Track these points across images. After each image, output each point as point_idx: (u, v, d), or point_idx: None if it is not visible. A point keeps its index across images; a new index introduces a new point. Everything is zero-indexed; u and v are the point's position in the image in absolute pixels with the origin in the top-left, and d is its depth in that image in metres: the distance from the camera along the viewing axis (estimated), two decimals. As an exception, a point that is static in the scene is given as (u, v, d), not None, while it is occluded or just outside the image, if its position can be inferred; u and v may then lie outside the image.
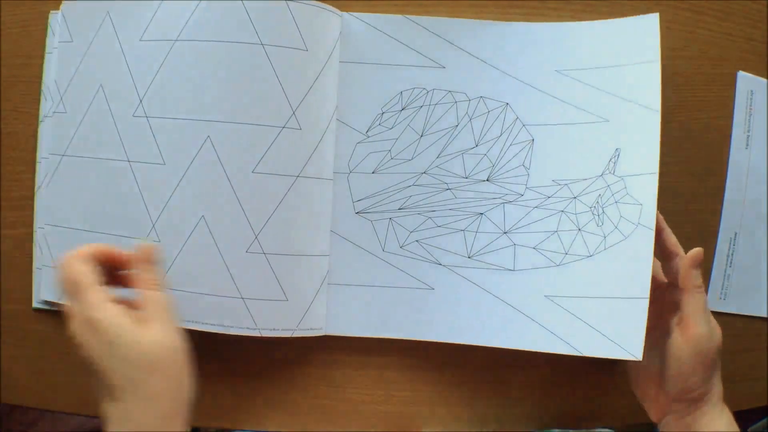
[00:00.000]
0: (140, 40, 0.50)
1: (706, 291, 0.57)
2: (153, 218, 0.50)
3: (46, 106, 0.55)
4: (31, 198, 0.55)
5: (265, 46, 0.49)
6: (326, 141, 0.52)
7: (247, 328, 0.50)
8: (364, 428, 0.56)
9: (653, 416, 0.50)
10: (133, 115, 0.50)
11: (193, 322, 0.50)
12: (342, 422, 0.55)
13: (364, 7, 0.54)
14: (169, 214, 0.50)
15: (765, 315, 0.58)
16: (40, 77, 0.55)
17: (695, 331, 0.46)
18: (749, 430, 0.76)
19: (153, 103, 0.50)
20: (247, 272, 0.50)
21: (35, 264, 0.54)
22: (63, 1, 0.53)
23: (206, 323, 0.50)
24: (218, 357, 0.55)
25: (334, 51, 0.52)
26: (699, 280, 0.47)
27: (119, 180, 0.51)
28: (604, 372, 0.56)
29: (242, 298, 0.50)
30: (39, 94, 0.55)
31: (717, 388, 0.47)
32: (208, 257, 0.49)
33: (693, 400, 0.47)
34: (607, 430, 0.56)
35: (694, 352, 0.46)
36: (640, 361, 0.47)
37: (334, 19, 0.52)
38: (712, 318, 0.47)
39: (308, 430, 0.56)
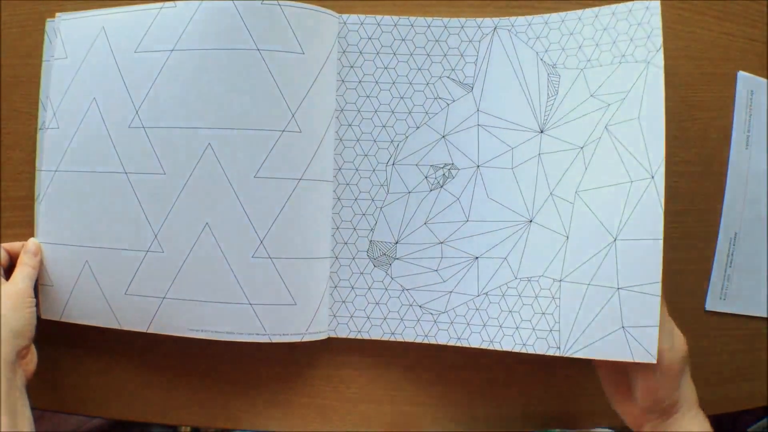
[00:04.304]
0: (135, 52, 0.51)
1: (706, 290, 0.57)
2: (155, 229, 0.50)
3: (44, 114, 0.54)
4: (31, 198, 0.55)
5: (261, 51, 0.49)
6: (326, 143, 0.52)
7: (257, 334, 0.50)
8: (364, 428, 0.56)
9: (632, 426, 0.50)
10: (129, 126, 0.51)
11: (202, 330, 0.50)
12: (342, 422, 0.55)
13: (364, 7, 0.54)
14: (172, 223, 0.50)
15: (765, 315, 0.58)
16: (39, 78, 0.55)
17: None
18: (749, 430, 0.76)
19: (150, 113, 0.50)
20: (254, 278, 0.50)
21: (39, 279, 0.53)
22: (60, 20, 0.53)
23: (215, 331, 0.50)
24: (219, 357, 0.55)
25: (331, 53, 0.52)
26: None
27: (116, 192, 0.51)
28: (604, 372, 0.57)
29: (250, 304, 0.50)
30: (39, 95, 0.55)
31: (688, 394, 0.47)
32: (214, 265, 0.50)
33: (664, 411, 0.46)
34: (607, 430, 0.56)
35: (658, 366, 0.45)
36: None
37: (331, 20, 0.52)
38: (675, 328, 0.47)
39: (309, 430, 0.56)
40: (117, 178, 0.51)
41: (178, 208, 0.50)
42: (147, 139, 0.50)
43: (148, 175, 0.50)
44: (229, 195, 0.49)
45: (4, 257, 0.51)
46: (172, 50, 0.50)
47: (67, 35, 0.53)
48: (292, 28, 0.49)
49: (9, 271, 0.52)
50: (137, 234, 0.51)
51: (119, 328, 0.52)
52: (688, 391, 0.47)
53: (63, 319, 0.53)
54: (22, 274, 0.50)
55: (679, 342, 0.47)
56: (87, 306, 0.52)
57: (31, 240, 0.53)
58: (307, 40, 0.50)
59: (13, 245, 0.53)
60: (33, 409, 0.47)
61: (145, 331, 0.51)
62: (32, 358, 0.50)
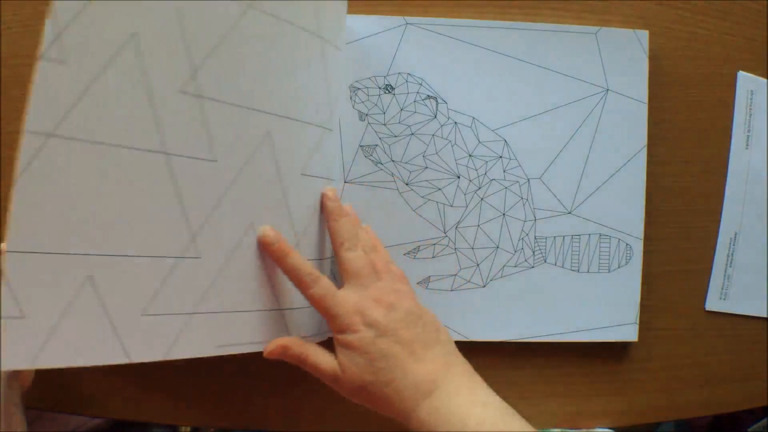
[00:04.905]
0: None
1: (706, 290, 0.57)
2: (194, 228, 0.39)
3: (47, 41, 0.33)
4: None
5: (322, 40, 0.45)
6: (338, 143, 0.52)
7: None
8: (364, 428, 0.55)
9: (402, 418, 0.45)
10: (180, 91, 0.38)
11: (231, 345, 0.44)
12: (342, 422, 0.55)
13: (364, 7, 0.54)
14: (215, 223, 0.40)
15: (765, 315, 0.58)
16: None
17: (321, 373, 0.45)
18: (749, 430, 0.76)
19: (211, 79, 0.38)
20: (287, 282, 0.45)
21: None
22: None
23: (246, 344, 0.44)
24: (219, 357, 0.55)
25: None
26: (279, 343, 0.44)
27: (146, 178, 0.37)
28: (603, 372, 0.57)
29: (280, 310, 0.46)
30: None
31: (428, 373, 0.43)
32: (253, 269, 0.43)
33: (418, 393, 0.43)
34: (607, 430, 0.56)
35: (341, 387, 0.44)
36: None
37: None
38: (346, 351, 0.43)
39: (308, 430, 0.56)
40: (152, 159, 0.37)
41: (225, 205, 0.41)
42: (201, 114, 0.38)
43: (195, 161, 0.39)
44: (276, 192, 0.44)
45: None
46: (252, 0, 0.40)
47: None
48: (339, 21, 0.48)
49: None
50: (168, 235, 0.39)
51: (127, 362, 0.38)
52: (419, 374, 0.43)
53: (38, 366, 0.35)
54: None
55: (349, 365, 0.43)
56: (81, 340, 0.36)
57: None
58: (341, 37, 0.49)
59: None
60: (33, 409, 0.47)
61: (162, 359, 0.40)
62: (30, 369, 0.49)
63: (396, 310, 0.44)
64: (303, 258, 0.44)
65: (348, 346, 0.43)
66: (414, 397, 0.43)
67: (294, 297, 0.47)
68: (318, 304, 0.44)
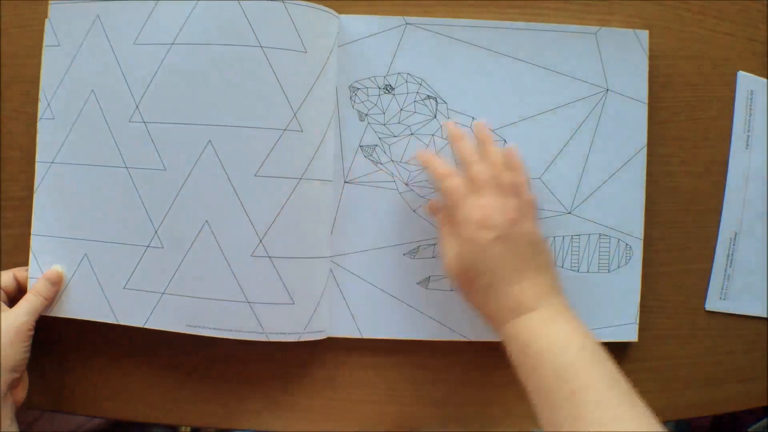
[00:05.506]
0: (134, 44, 0.50)
1: (706, 290, 0.57)
2: (155, 224, 0.50)
3: (42, 109, 0.54)
4: (31, 198, 0.55)
5: (264, 49, 0.49)
6: (327, 142, 0.52)
7: (254, 332, 0.50)
8: (364, 428, 0.56)
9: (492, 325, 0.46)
10: (130, 121, 0.50)
11: (200, 327, 0.50)
12: (342, 422, 0.55)
13: (364, 7, 0.54)
14: (172, 220, 0.50)
15: (765, 315, 0.58)
16: (39, 77, 0.55)
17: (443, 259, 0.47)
18: (749, 430, 0.76)
19: (150, 108, 0.50)
20: (253, 276, 0.49)
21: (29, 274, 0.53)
22: (50, 3, 0.53)
23: (213, 328, 0.50)
24: (219, 357, 0.55)
25: (332, 52, 0.52)
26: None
27: (118, 186, 0.51)
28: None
29: (248, 303, 0.50)
30: (39, 95, 0.55)
31: (529, 294, 0.44)
32: (214, 262, 0.49)
33: (512, 309, 0.44)
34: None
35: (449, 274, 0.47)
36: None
37: (332, 20, 0.52)
38: (454, 239, 0.46)
39: (309, 430, 0.56)
40: (118, 172, 0.51)
41: (179, 205, 0.50)
42: (147, 134, 0.50)
43: (149, 171, 0.50)
44: (228, 193, 0.49)
45: (5, 282, 0.51)
46: (172, 44, 0.49)
47: (58, 21, 0.53)
48: (296, 26, 0.49)
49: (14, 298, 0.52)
50: (138, 228, 0.51)
51: (115, 322, 0.52)
52: (527, 292, 0.44)
53: (53, 314, 0.52)
54: (29, 306, 0.49)
55: (460, 253, 0.46)
56: (82, 300, 0.52)
57: (55, 268, 0.52)
58: (310, 39, 0.50)
59: (26, 272, 0.52)
60: (33, 409, 0.47)
61: (142, 326, 0.51)
62: (24, 385, 0.50)
63: (519, 224, 0.45)
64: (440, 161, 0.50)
65: (461, 238, 0.46)
66: (513, 308, 0.43)
67: (262, 291, 0.49)
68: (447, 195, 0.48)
